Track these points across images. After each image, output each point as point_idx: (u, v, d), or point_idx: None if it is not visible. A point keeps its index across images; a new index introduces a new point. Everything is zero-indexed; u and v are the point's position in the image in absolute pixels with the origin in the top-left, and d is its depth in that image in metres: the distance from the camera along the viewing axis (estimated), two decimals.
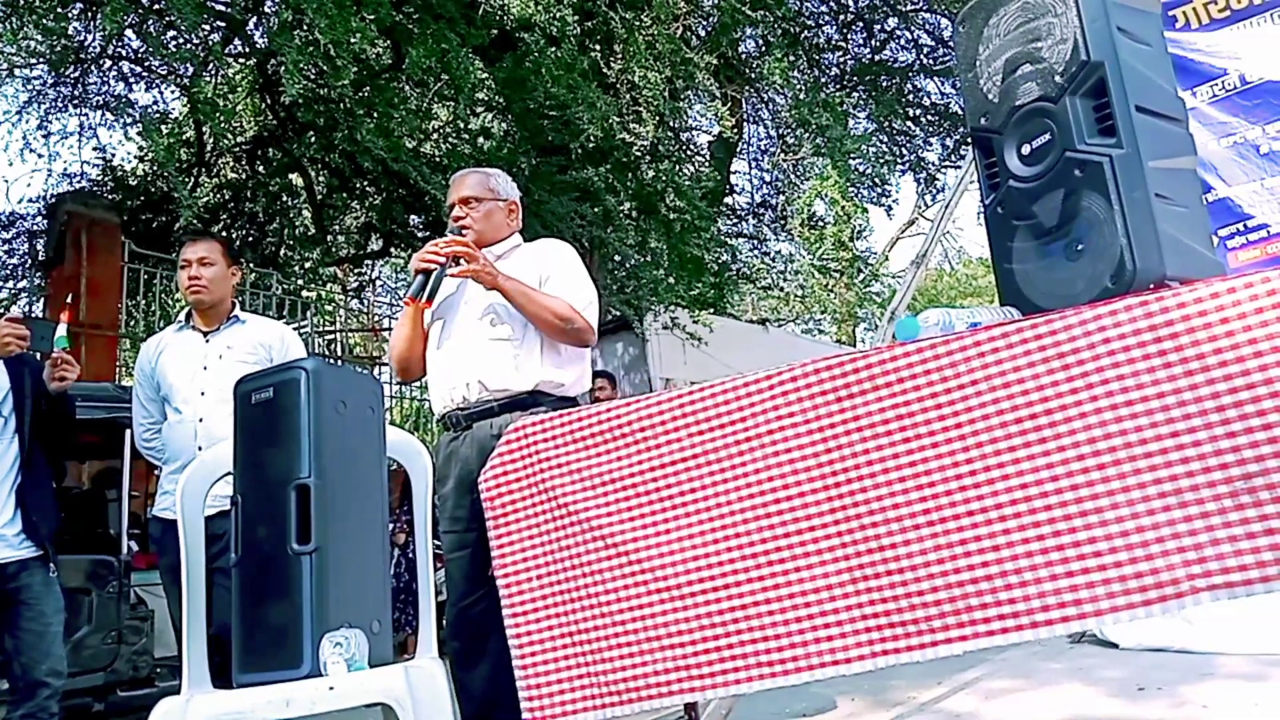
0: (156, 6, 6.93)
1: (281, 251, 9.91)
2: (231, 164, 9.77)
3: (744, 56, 10.39)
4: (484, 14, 6.66)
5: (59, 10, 6.15)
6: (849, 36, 11.22)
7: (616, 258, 7.95)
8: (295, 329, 4.63)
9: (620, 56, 7.09)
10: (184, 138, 9.26)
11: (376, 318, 11.56)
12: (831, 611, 1.57)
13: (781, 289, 17.46)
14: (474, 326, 2.32)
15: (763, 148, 13.43)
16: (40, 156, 8.81)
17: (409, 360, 2.46)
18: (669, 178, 7.81)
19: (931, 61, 10.77)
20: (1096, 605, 1.39)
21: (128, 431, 4.12)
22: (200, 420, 2.74)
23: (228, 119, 7.88)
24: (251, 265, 8.67)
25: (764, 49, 9.44)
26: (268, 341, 2.89)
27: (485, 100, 8.17)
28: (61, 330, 2.61)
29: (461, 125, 8.26)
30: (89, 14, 7.23)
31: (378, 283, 14.63)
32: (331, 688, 1.68)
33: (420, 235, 8.51)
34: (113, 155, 9.92)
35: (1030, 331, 1.48)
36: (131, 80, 8.77)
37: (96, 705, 4.21)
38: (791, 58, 8.86)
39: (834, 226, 18.58)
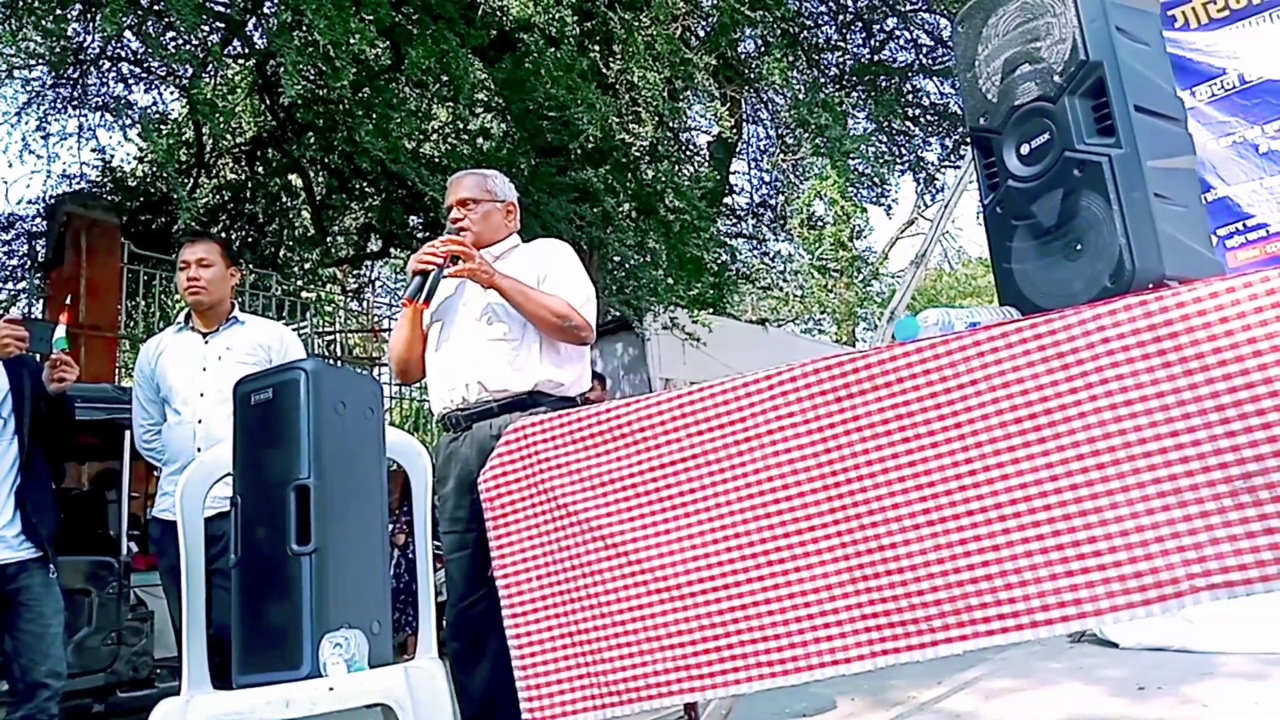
0: (156, 7, 6.93)
1: (281, 252, 9.90)
2: (231, 165, 9.77)
3: (743, 56, 10.39)
4: (483, 14, 6.67)
5: (58, 11, 6.14)
6: (848, 36, 11.22)
7: (616, 258, 7.95)
8: (295, 330, 4.64)
9: (619, 57, 7.08)
10: (183, 138, 9.25)
11: (376, 318, 11.57)
12: (831, 611, 1.57)
13: (781, 289, 17.48)
14: (472, 327, 2.32)
15: (762, 148, 13.48)
16: (40, 158, 8.87)
17: (408, 362, 2.46)
18: (668, 178, 7.81)
19: (931, 61, 10.78)
20: (1096, 605, 1.39)
21: (127, 433, 4.13)
22: (200, 421, 2.74)
23: (227, 120, 7.87)
24: (251, 266, 8.66)
25: (763, 49, 9.43)
26: (267, 342, 2.89)
27: (484, 101, 8.16)
28: (61, 331, 2.61)
29: (461, 126, 8.27)
30: (88, 15, 7.22)
31: (377, 283, 14.65)
32: (331, 688, 1.68)
33: (419, 236, 8.50)
34: (112, 156, 9.93)
35: (1030, 331, 1.48)
36: (131, 81, 8.79)
37: (96, 706, 4.21)
38: (791, 58, 8.87)
39: (833, 226, 18.56)
